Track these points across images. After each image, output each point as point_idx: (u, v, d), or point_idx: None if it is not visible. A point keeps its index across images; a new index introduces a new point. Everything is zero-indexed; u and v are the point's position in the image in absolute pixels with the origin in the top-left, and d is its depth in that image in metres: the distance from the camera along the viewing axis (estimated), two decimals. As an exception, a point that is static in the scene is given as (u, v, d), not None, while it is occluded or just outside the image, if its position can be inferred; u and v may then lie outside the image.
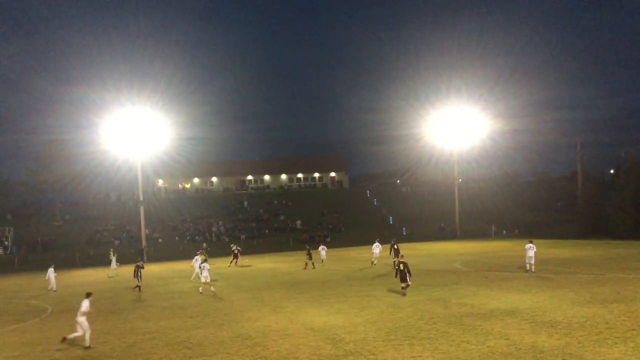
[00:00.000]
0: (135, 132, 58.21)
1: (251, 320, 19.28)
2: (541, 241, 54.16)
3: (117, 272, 40.14)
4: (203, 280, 27.32)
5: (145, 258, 52.88)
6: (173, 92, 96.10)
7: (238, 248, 44.43)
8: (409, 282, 23.28)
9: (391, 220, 76.12)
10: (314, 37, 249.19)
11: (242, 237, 66.05)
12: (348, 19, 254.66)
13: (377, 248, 38.83)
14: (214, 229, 68.98)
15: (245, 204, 78.94)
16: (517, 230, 67.94)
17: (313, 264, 37.75)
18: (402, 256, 25.74)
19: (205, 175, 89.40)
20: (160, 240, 64.31)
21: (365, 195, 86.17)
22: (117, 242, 61.11)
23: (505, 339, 14.37)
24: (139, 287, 29.22)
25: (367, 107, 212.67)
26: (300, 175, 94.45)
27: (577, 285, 23.52)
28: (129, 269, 33.91)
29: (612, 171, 78.78)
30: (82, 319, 16.55)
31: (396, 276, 23.84)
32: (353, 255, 48.30)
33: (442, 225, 72.44)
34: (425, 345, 14.26)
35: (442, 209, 75.45)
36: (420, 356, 13.33)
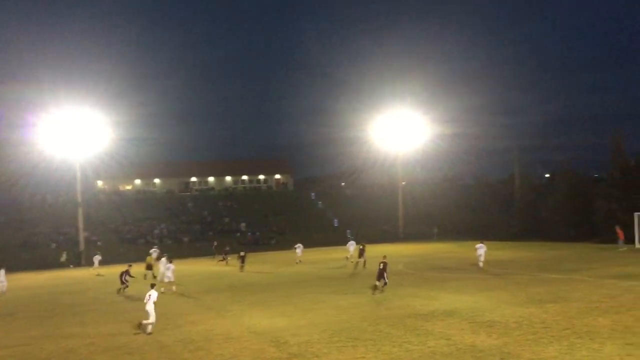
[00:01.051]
0: (73, 132, 56.47)
1: (194, 324, 19.01)
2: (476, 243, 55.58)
3: (99, 272, 40.72)
4: (166, 280, 28.29)
5: (83, 261, 51.27)
6: (113, 91, 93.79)
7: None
8: (386, 281, 24.63)
9: (336, 222, 76.56)
10: (261, 38, 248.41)
11: (186, 239, 65.01)
12: (295, 22, 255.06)
13: (351, 246, 41.29)
14: (157, 231, 67.59)
15: (189, 205, 77.74)
16: (436, 230, 69.78)
17: (243, 267, 38.15)
18: (385, 257, 26.10)
19: (147, 176, 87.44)
20: (99, 243, 62.47)
21: (310, 198, 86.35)
22: (53, 245, 59.00)
23: (446, 339, 14.69)
24: (122, 289, 29.41)
25: (312, 110, 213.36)
26: (245, 177, 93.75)
27: (514, 286, 24.30)
28: (65, 274, 32.85)
29: (547, 175, 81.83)
30: (150, 308, 18.02)
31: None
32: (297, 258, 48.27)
33: (384, 227, 73.30)
34: (368, 346, 14.42)
35: (386, 211, 76.37)
36: (363, 357, 13.48)
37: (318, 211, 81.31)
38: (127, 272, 29.69)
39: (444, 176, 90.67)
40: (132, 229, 67.15)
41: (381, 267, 24.84)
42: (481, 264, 32.53)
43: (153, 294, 18.56)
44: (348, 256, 40.36)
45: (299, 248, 43.07)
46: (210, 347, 15.52)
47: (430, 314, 18.47)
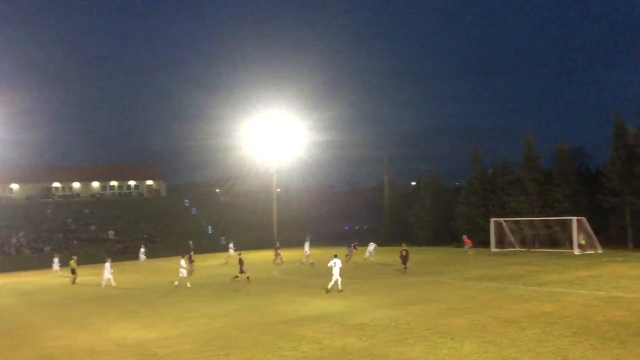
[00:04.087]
0: None
1: (54, 339, 17.74)
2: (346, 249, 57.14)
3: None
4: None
5: None
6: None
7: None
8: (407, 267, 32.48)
9: (210, 229, 75.35)
10: (134, 40, 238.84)
11: (47, 249, 60.72)
12: (168, 24, 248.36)
13: (307, 246, 43.79)
14: (14, 240, 62.50)
15: (49, 212, 72.66)
16: (309, 236, 71.19)
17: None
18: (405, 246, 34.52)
19: (4, 181, 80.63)
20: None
21: (183, 205, 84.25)
22: None
23: (318, 343, 14.91)
24: (246, 277, 30.60)
25: (187, 115, 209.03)
26: (114, 183, 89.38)
27: (382, 289, 25.28)
28: None
29: (413, 183, 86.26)
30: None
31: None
32: (169, 267, 46.81)
33: (258, 234, 73.29)
34: (241, 354, 14.27)
35: (261, 218, 76.44)
36: (235, 366, 13.30)
37: (191, 218, 79.57)
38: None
39: (319, 184, 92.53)
40: (-16, 238, 61.56)
41: (403, 253, 33.31)
42: (369, 255, 40.70)
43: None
44: (304, 259, 42.52)
45: (231, 249, 45.48)
46: (71, 363, 14.57)
47: (302, 319, 18.67)
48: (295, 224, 76.77)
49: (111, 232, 68.64)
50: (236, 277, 30.97)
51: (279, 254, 45.14)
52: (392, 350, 13.77)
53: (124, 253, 59.96)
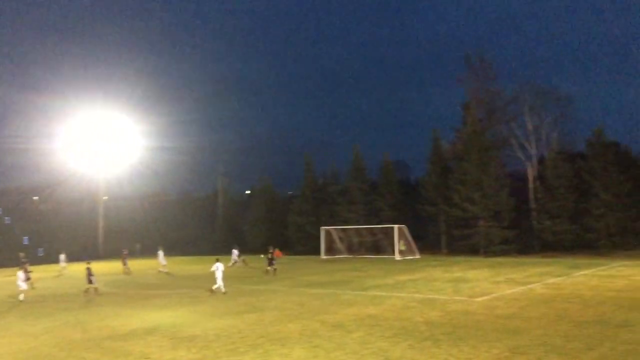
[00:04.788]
0: None
1: None
2: (185, 258, 56.15)
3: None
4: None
5: None
6: None
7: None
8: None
9: (26, 240, 69.07)
10: None
11: None
12: (16, 17, 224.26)
13: (161, 256, 42.02)
14: None
15: None
16: (139, 246, 68.76)
17: None
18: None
19: None
20: None
21: (-6, 213, 76.31)
22: None
23: (145, 358, 14.35)
24: (94, 288, 29.28)
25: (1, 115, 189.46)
26: None
27: (215, 299, 25.04)
28: None
29: (248, 192, 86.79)
30: None
31: None
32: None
33: (83, 244, 68.82)
34: (60, 375, 13.26)
35: (85, 227, 71.88)
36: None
37: (4, 227, 72.35)
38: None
39: (151, 191, 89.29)
40: None
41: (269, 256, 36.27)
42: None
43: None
44: (162, 269, 41.02)
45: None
46: None
47: (130, 333, 17.85)
48: (123, 233, 73.21)
49: None
50: (87, 289, 29.46)
51: (127, 264, 43.84)
52: (224, 360, 13.71)
53: None
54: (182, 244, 70.77)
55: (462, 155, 50.93)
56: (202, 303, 24.02)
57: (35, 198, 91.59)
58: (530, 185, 52.56)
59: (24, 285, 28.50)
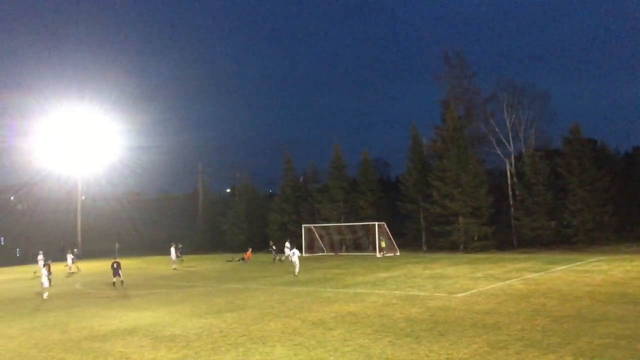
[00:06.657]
0: None
1: None
2: (164, 257, 55.74)
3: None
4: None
5: None
6: None
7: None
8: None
9: (2, 240, 68.05)
10: None
11: None
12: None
13: (173, 252, 42.95)
14: None
15: None
16: (118, 246, 67.70)
17: None
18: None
19: None
20: None
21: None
22: None
23: (125, 358, 14.22)
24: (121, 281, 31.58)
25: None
26: None
27: (196, 298, 24.90)
28: None
29: (228, 190, 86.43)
30: None
31: None
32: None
33: (62, 244, 67.94)
34: (37, 377, 13.09)
35: (63, 227, 71.01)
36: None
37: (-20, 229, 71.25)
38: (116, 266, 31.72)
39: (130, 191, 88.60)
40: None
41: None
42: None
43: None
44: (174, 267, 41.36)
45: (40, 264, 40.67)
46: None
47: (109, 333, 17.67)
48: (102, 232, 72.51)
49: None
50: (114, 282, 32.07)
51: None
52: (205, 359, 13.64)
53: None
54: (160, 243, 70.25)
55: (441, 153, 51.25)
56: (182, 302, 23.86)
57: (12, 198, 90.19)
58: (509, 181, 53.11)
59: (46, 283, 28.93)
